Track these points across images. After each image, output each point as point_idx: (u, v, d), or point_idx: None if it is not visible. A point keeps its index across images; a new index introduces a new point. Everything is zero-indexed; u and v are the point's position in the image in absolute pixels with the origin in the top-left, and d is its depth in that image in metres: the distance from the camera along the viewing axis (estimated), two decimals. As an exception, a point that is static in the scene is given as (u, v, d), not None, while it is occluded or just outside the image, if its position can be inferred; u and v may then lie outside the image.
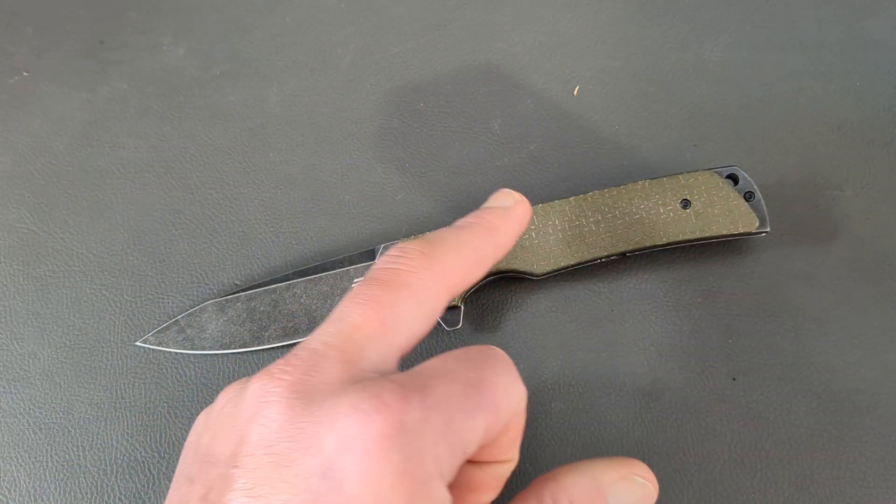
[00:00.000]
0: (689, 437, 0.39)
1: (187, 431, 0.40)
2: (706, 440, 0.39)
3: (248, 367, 0.41)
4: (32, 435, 0.40)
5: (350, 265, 0.41)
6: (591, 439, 0.39)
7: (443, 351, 0.41)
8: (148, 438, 0.40)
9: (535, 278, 0.40)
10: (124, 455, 0.40)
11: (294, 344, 0.41)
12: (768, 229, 0.39)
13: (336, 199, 0.44)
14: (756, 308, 0.41)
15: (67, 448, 0.40)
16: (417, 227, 0.43)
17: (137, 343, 0.41)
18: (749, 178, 0.40)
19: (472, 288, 0.40)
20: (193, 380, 0.41)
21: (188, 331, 0.41)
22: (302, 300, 0.41)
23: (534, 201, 0.43)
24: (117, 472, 0.40)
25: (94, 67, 0.48)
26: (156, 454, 0.40)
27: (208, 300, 0.41)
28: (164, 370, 0.41)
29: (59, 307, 0.42)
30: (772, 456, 0.39)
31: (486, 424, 0.24)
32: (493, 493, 0.29)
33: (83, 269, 0.43)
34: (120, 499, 0.39)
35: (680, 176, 0.40)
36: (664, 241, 0.39)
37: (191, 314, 0.41)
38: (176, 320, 0.41)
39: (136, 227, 0.44)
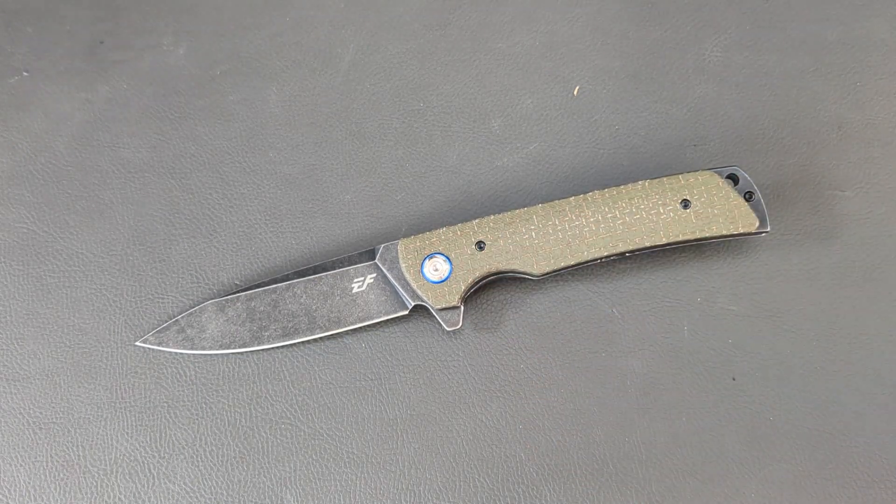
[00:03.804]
0: (689, 437, 0.39)
1: (187, 431, 0.40)
2: (706, 440, 0.39)
3: (248, 366, 0.41)
4: (32, 435, 0.40)
5: (350, 265, 0.41)
6: (591, 439, 0.39)
7: (443, 352, 0.41)
8: (148, 438, 0.40)
9: (534, 278, 0.40)
10: (124, 455, 0.40)
11: (294, 344, 0.41)
12: (768, 229, 0.39)
13: (336, 199, 0.44)
14: (756, 308, 0.41)
15: (67, 448, 0.40)
16: (417, 227, 0.43)
17: (137, 343, 0.41)
18: (749, 178, 0.40)
19: (472, 288, 0.40)
20: (193, 380, 0.41)
21: (188, 331, 0.41)
22: (302, 300, 0.41)
23: (534, 201, 0.43)
24: (117, 472, 0.40)
25: (94, 67, 0.48)
26: (156, 454, 0.40)
27: (208, 300, 0.41)
28: (164, 370, 0.41)
29: (59, 307, 0.42)
30: (772, 456, 0.39)
31: None
32: None
33: (83, 269, 0.43)
34: (120, 499, 0.39)
35: (680, 176, 0.40)
36: (664, 241, 0.39)
37: (191, 314, 0.41)
38: (176, 320, 0.41)
39: (136, 227, 0.44)
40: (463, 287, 0.40)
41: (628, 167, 0.44)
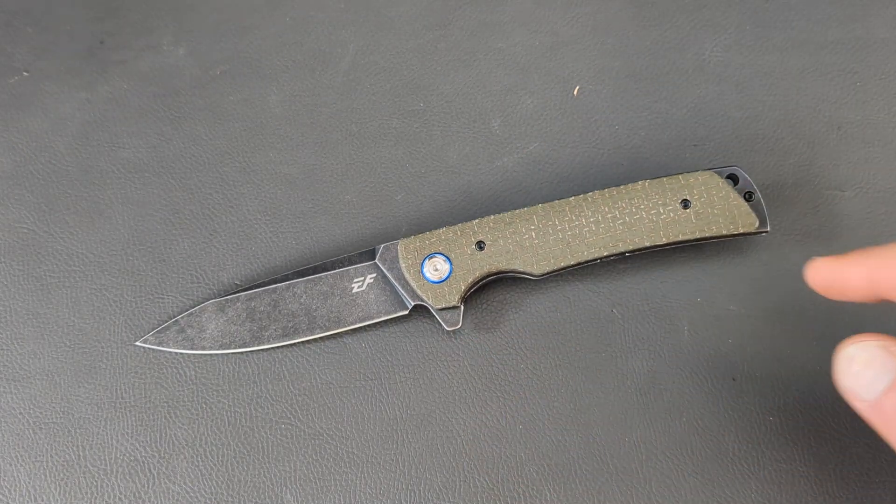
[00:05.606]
0: (689, 437, 0.39)
1: (187, 431, 0.40)
2: (706, 440, 0.39)
3: (248, 367, 0.41)
4: (32, 435, 0.40)
5: (350, 265, 0.41)
6: (591, 439, 0.39)
7: (443, 352, 0.41)
8: (148, 438, 0.40)
9: (534, 278, 0.40)
10: (124, 455, 0.40)
11: (294, 344, 0.41)
12: (768, 229, 0.39)
13: (336, 199, 0.44)
14: (756, 308, 0.41)
15: (67, 448, 0.40)
16: (417, 227, 0.43)
17: (137, 343, 0.41)
18: (749, 178, 0.40)
19: (472, 288, 0.40)
20: (193, 380, 0.41)
21: (188, 331, 0.41)
22: (302, 300, 0.41)
23: (534, 201, 0.43)
24: (117, 472, 0.40)
25: (94, 67, 0.48)
26: (156, 454, 0.40)
27: (208, 300, 0.41)
28: (164, 370, 0.41)
29: (59, 307, 0.42)
30: (771, 456, 0.39)
31: None
32: None
33: (83, 269, 0.43)
34: (120, 499, 0.39)
35: (680, 176, 0.40)
36: (664, 241, 0.39)
37: (191, 314, 0.41)
38: (176, 320, 0.41)
39: (136, 227, 0.44)
40: (463, 287, 0.40)
41: (628, 167, 0.44)
